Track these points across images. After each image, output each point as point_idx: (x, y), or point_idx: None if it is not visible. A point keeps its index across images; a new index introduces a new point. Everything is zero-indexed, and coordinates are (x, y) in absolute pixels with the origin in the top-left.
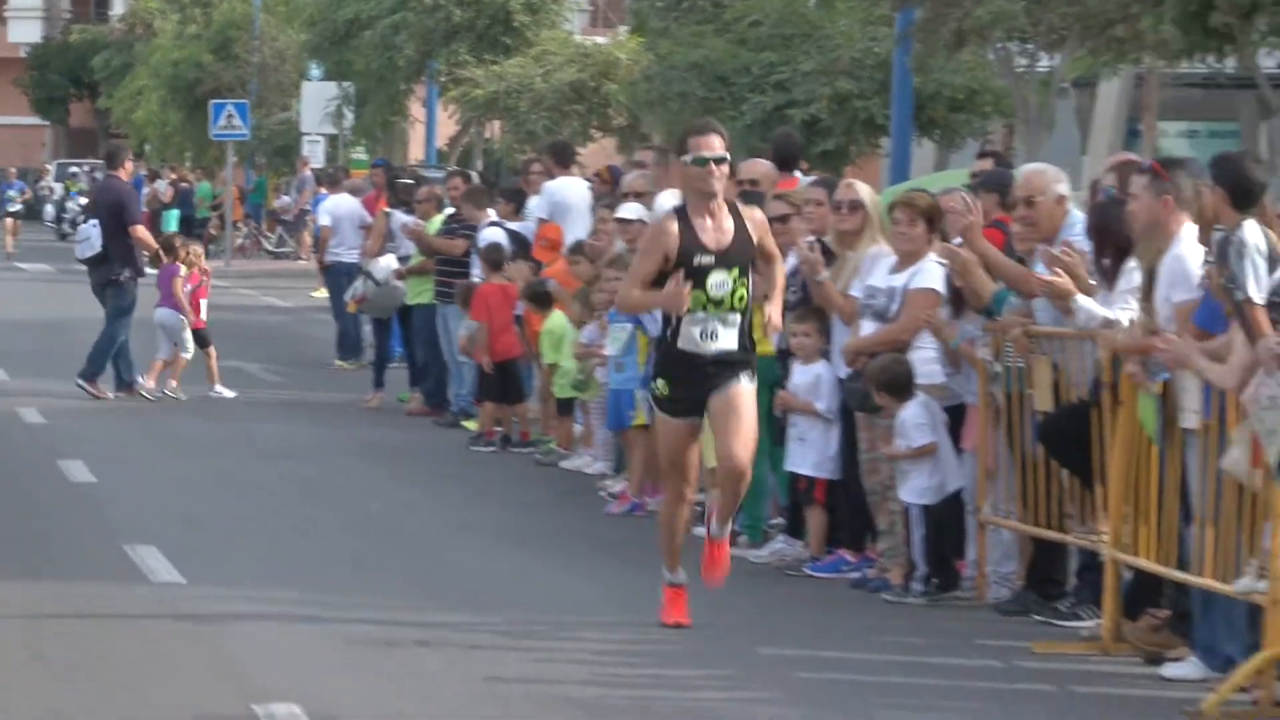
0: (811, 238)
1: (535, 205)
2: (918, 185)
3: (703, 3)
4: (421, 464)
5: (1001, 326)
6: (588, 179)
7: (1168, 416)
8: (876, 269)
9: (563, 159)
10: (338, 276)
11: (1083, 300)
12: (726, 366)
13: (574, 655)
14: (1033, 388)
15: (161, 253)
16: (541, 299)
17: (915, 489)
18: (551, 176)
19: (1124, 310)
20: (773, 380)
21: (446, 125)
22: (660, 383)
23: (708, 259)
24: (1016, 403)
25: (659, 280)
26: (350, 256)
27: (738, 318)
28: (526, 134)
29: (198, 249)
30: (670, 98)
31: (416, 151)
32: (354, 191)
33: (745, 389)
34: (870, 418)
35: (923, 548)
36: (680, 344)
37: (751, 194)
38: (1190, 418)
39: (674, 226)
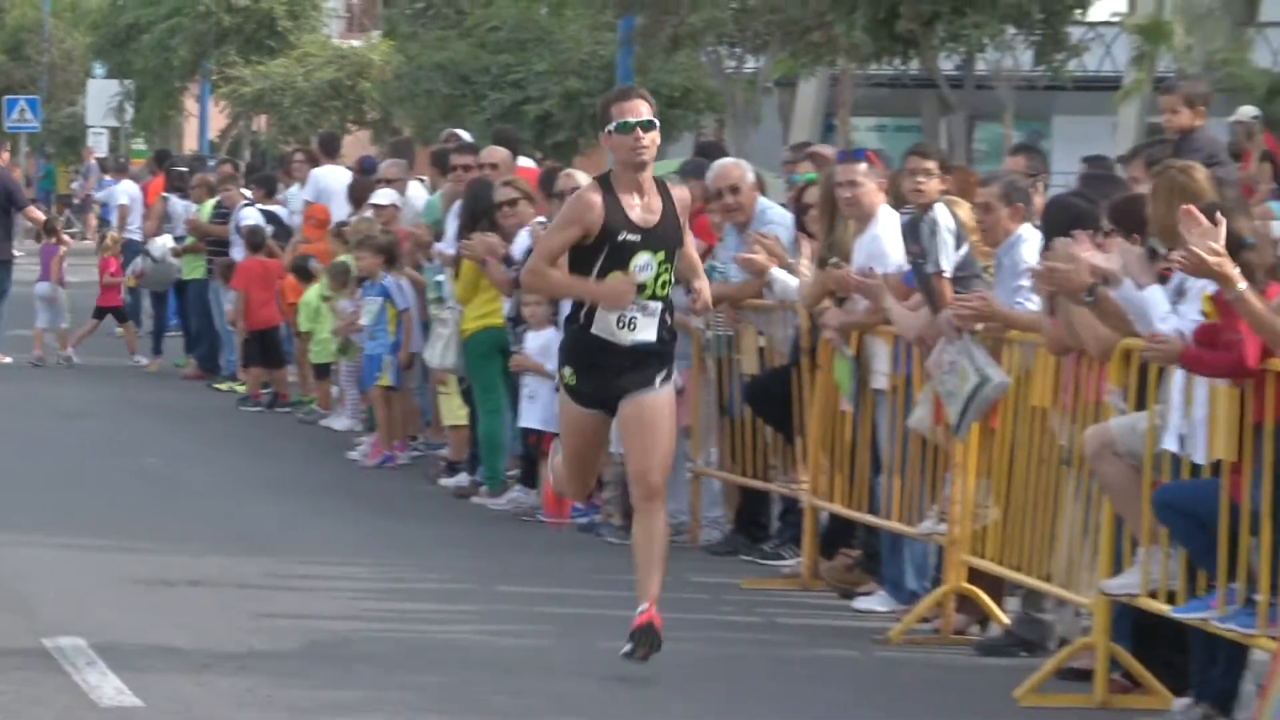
0: (541, 219)
1: (304, 190)
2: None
3: (447, 10)
4: (196, 422)
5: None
6: (349, 167)
7: (860, 379)
8: None
9: (329, 149)
10: (128, 254)
11: (778, 273)
12: (643, 360)
13: (334, 593)
14: (740, 353)
15: (43, 232)
16: (304, 273)
17: None
18: (318, 164)
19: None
20: (503, 345)
21: (217, 119)
22: (567, 371)
23: (633, 237)
24: (725, 367)
25: (578, 259)
26: (133, 235)
27: (659, 306)
28: (290, 127)
29: (114, 234)
30: (418, 94)
31: (191, 143)
32: (134, 179)
33: (661, 399)
34: None
35: None
36: (594, 329)
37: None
38: (880, 379)
39: (597, 199)
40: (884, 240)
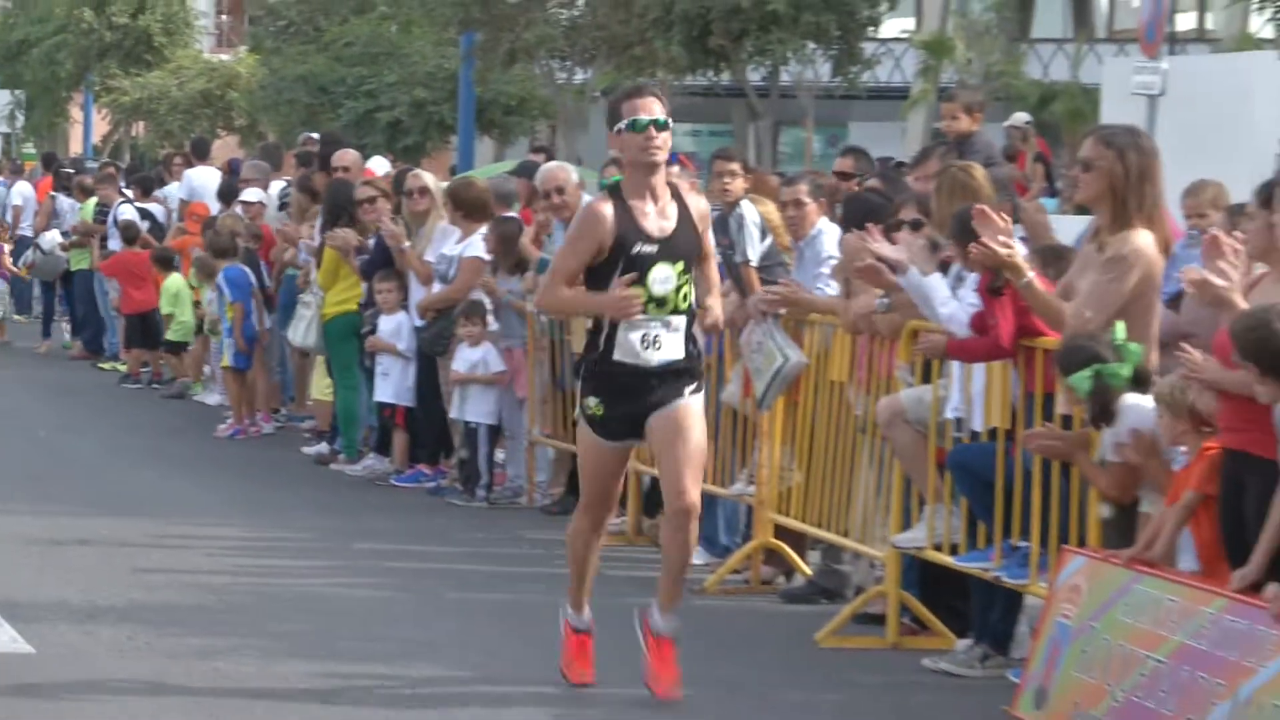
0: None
1: (179, 188)
2: (476, 174)
3: (306, 27)
4: (81, 399)
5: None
6: (218, 169)
7: None
8: (446, 241)
9: (200, 152)
10: (20, 249)
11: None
12: (671, 376)
13: (205, 550)
14: (570, 334)
15: None
16: (164, 263)
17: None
18: (191, 166)
19: None
20: (358, 328)
21: (100, 125)
22: (593, 401)
23: (649, 248)
24: (558, 347)
25: (593, 277)
26: (25, 231)
27: (683, 321)
28: (165, 133)
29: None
30: (281, 103)
31: (76, 147)
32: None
33: (692, 406)
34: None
35: (488, 463)
36: (616, 354)
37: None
38: None
39: (608, 209)
40: None
